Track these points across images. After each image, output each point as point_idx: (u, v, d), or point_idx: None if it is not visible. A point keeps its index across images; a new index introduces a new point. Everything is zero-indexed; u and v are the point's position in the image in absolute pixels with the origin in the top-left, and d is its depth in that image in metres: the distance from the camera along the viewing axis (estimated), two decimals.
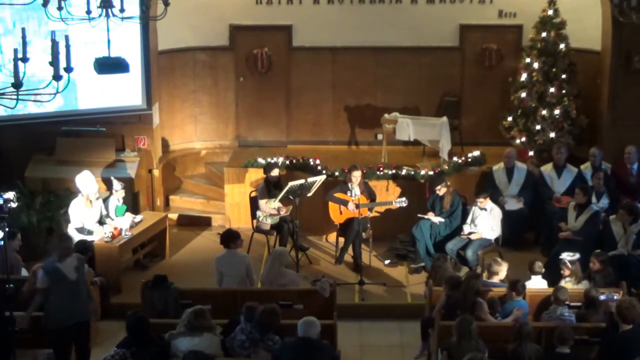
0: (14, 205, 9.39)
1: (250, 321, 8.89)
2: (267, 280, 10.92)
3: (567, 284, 10.71)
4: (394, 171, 13.94)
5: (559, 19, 14.22)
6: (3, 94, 7.24)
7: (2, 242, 9.60)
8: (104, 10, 9.49)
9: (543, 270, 11.01)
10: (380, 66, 15.72)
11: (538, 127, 14.19)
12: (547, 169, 13.66)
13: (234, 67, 15.89)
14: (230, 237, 11.14)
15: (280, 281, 10.81)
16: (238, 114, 16.10)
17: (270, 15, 15.56)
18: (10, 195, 9.46)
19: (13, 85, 7.06)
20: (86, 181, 12.46)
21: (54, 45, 7.19)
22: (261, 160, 14.19)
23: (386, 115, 14.82)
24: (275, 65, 15.80)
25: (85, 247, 11.30)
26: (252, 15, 15.54)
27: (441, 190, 12.92)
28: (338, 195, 13.06)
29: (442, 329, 9.51)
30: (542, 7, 14.33)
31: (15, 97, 7.15)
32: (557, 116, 14.13)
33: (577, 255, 10.95)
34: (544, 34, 14.23)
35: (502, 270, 10.82)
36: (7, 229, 9.47)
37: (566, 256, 10.97)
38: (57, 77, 7.20)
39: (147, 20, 12.17)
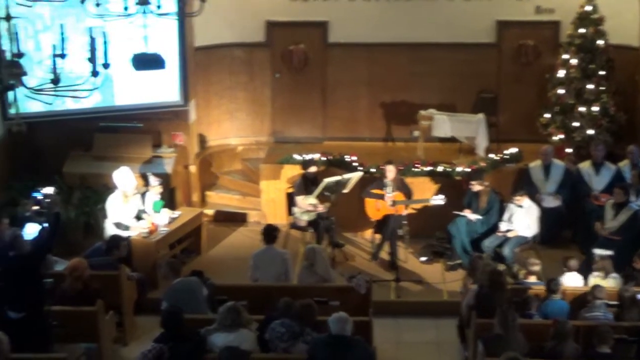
0: (56, 197, 9.48)
1: (287, 316, 8.90)
2: (308, 278, 10.86)
3: (595, 279, 10.67)
4: (430, 168, 13.88)
5: (597, 14, 14.08)
6: (42, 90, 7.30)
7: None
8: (141, 6, 9.54)
9: (577, 266, 10.94)
10: (416, 63, 15.63)
11: (576, 124, 14.07)
12: (585, 166, 13.54)
13: (270, 63, 15.89)
14: (272, 233, 11.17)
15: (314, 278, 10.80)
16: (274, 110, 16.10)
17: (306, 12, 15.54)
18: (49, 190, 9.56)
19: (51, 81, 7.13)
20: (124, 177, 12.52)
21: (92, 41, 7.24)
22: (297, 157, 14.19)
23: (422, 112, 14.75)
24: (311, 62, 15.79)
25: (116, 242, 11.38)
26: (288, 12, 15.53)
27: (475, 186, 12.86)
28: (374, 191, 13.04)
29: (479, 327, 9.46)
30: (580, 2, 14.19)
31: (53, 93, 7.20)
32: (595, 113, 14.00)
33: (610, 252, 10.90)
34: (582, 30, 14.10)
35: (537, 269, 10.81)
36: (44, 224, 9.56)
37: (598, 251, 10.93)
38: (94, 73, 7.25)
39: (183, 16, 12.24)
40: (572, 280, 10.74)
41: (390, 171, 12.94)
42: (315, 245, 11.86)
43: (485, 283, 9.96)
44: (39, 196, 9.56)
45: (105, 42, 7.43)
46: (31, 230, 10.89)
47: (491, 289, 9.79)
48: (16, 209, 12.61)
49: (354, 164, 14.02)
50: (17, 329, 8.81)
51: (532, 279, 10.80)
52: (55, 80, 7.12)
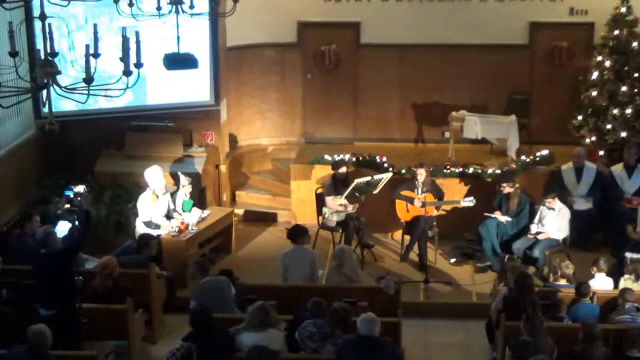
0: (87, 195, 9.54)
1: (317, 317, 8.89)
2: (337, 279, 10.86)
3: (626, 281, 10.59)
4: (461, 169, 13.84)
5: (631, 16, 14.00)
6: (74, 88, 7.34)
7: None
8: (174, 6, 9.60)
9: (606, 267, 10.87)
10: (448, 64, 15.60)
11: (609, 126, 13.98)
12: (618, 169, 13.44)
13: (302, 63, 15.92)
14: (297, 233, 11.19)
15: (342, 278, 10.79)
16: (305, 110, 16.13)
17: (338, 12, 15.55)
18: (80, 188, 9.61)
19: (84, 80, 7.16)
20: (154, 176, 12.59)
21: (125, 41, 7.27)
22: (328, 157, 14.20)
23: (454, 113, 14.71)
24: (342, 62, 15.80)
25: (146, 240, 11.44)
26: (320, 12, 15.55)
27: (506, 188, 12.80)
28: (405, 192, 13.02)
29: (508, 329, 9.42)
30: (614, 4, 14.11)
31: (86, 92, 7.25)
32: (629, 115, 13.91)
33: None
34: (616, 32, 14.01)
35: (570, 272, 10.74)
36: (75, 222, 9.62)
37: (629, 255, 10.86)
38: (127, 72, 7.28)
39: (216, 16, 12.28)
40: (602, 283, 10.67)
41: (422, 174, 12.91)
42: (344, 245, 11.86)
43: (512, 286, 9.93)
44: (71, 194, 9.61)
45: (138, 42, 7.45)
46: (62, 228, 10.97)
47: (518, 292, 9.74)
48: (48, 206, 12.73)
49: (385, 164, 14.00)
50: (47, 326, 8.87)
51: (563, 281, 10.74)
52: (88, 80, 7.16)
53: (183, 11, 9.72)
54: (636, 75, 13.96)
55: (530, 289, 9.76)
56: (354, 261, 11.04)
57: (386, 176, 13.13)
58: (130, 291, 10.19)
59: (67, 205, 9.65)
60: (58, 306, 9.34)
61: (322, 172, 14.21)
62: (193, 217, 12.64)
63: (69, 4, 8.66)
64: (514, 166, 13.87)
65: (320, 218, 13.43)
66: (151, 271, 10.90)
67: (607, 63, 14.06)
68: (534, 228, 12.59)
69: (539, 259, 12.33)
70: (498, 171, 13.64)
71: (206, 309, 8.93)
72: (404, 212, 13.13)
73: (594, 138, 14.20)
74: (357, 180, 12.77)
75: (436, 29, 15.37)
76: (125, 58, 7.27)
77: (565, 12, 15.22)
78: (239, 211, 14.76)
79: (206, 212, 13.06)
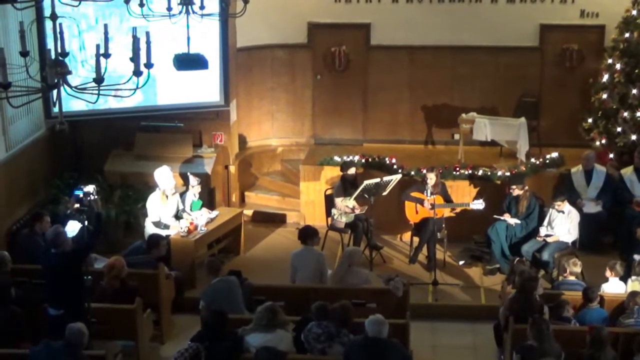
0: (97, 198, 9.56)
1: (321, 319, 8.89)
2: (336, 279, 10.90)
3: (633, 283, 10.57)
4: (470, 171, 13.83)
5: None
6: (85, 88, 7.36)
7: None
8: (184, 7, 9.61)
9: (622, 272, 10.86)
10: (458, 66, 15.59)
11: (619, 129, 13.92)
12: (628, 172, 13.39)
13: (312, 65, 15.92)
14: (308, 234, 11.19)
15: (352, 280, 10.78)
16: (315, 111, 16.12)
17: (349, 14, 15.55)
18: (90, 188, 9.62)
19: (94, 80, 7.18)
20: (164, 176, 12.60)
21: (135, 41, 7.28)
22: (337, 159, 14.21)
23: (463, 115, 14.70)
24: (352, 64, 15.79)
25: (156, 241, 11.46)
26: (330, 13, 15.55)
27: (515, 190, 12.78)
28: (414, 194, 13.01)
29: (516, 332, 9.40)
30: (625, 7, 14.06)
31: (96, 92, 7.26)
32: (639, 118, 13.85)
33: None
34: (627, 35, 13.97)
35: (578, 270, 10.75)
36: (85, 222, 9.63)
37: (637, 257, 10.88)
38: (137, 72, 7.29)
39: (226, 17, 12.29)
40: (615, 287, 10.64)
41: (431, 179, 12.88)
42: (350, 248, 11.88)
43: (519, 289, 9.92)
44: (80, 194, 9.63)
45: (148, 42, 7.47)
46: (72, 228, 11.00)
47: (524, 296, 9.73)
48: (58, 206, 12.76)
49: (394, 166, 13.99)
50: (56, 326, 8.89)
51: (572, 278, 10.77)
52: (98, 80, 7.17)
53: (193, 12, 9.73)
54: None
55: (535, 292, 9.76)
56: (346, 264, 10.88)
57: (395, 178, 13.13)
58: (137, 291, 10.21)
59: (77, 205, 9.66)
60: (67, 306, 9.35)
61: (332, 173, 14.21)
62: (202, 218, 12.64)
63: (79, 4, 8.70)
64: (524, 168, 13.85)
65: (329, 219, 13.43)
66: (160, 271, 10.91)
67: (618, 66, 14.01)
68: (543, 231, 12.56)
69: (548, 261, 12.30)
70: (507, 173, 13.63)
71: (224, 310, 8.93)
72: (413, 213, 13.12)
73: (604, 141, 14.16)
74: (366, 182, 12.78)
75: (446, 31, 15.35)
76: (135, 58, 7.28)
77: (576, 15, 15.19)
78: (248, 212, 14.76)
79: (215, 213, 13.06)
